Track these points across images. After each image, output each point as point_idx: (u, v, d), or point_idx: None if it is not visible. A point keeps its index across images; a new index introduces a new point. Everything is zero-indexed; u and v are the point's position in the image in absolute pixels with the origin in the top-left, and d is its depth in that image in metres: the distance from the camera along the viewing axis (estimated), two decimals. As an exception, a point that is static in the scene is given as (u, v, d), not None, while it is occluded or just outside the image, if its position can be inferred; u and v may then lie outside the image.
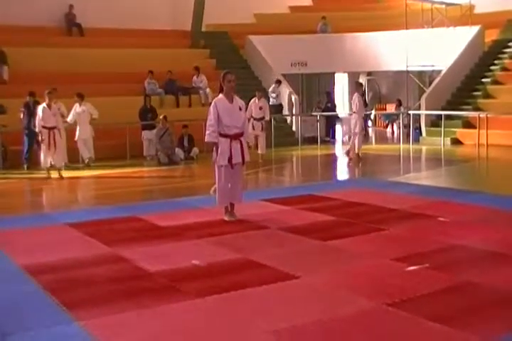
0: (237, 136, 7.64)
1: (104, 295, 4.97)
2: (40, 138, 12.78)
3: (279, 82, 19.17)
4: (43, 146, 12.80)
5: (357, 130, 14.35)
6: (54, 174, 12.78)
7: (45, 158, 12.89)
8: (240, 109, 7.74)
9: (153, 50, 19.37)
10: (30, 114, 14.08)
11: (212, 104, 7.64)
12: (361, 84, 14.89)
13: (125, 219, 8.06)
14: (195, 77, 18.49)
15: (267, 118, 15.13)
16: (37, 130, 12.87)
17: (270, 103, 18.62)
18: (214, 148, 7.64)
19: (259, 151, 14.76)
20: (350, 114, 15.19)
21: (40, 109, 12.70)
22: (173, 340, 4.20)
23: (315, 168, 14.88)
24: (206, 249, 6.43)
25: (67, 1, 19.74)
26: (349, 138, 15.82)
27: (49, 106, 12.74)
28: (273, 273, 5.43)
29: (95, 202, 10.21)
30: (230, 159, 7.58)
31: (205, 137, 7.66)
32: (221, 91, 7.72)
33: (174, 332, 4.28)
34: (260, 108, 14.63)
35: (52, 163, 12.82)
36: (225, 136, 7.57)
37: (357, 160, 14.27)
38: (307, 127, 19.26)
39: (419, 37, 19.08)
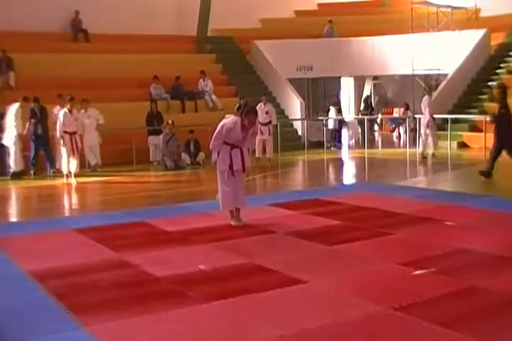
0: (237, 145, 7.70)
1: (111, 301, 4.98)
2: (62, 143, 12.74)
3: (334, 105, 19.80)
4: (65, 151, 12.76)
5: (428, 131, 15.04)
6: (63, 180, 12.82)
7: (65, 163, 12.84)
8: (252, 134, 7.77)
9: (159, 55, 19.41)
10: (37, 119, 14.12)
11: (226, 127, 7.54)
12: (431, 87, 15.41)
13: (132, 224, 8.07)
14: (201, 81, 18.53)
15: (274, 122, 15.25)
16: (58, 135, 12.81)
17: (330, 127, 19.09)
18: (215, 152, 7.74)
19: (267, 155, 14.96)
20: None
21: (61, 114, 12.68)
22: (180, 345, 4.21)
23: (321, 172, 14.88)
24: (213, 253, 6.43)
25: (73, 7, 19.81)
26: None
27: (70, 111, 12.74)
28: (279, 278, 5.43)
29: (102, 208, 10.22)
30: (230, 166, 7.63)
31: (211, 145, 7.75)
32: (239, 115, 7.64)
33: (181, 337, 4.28)
34: (266, 112, 14.77)
35: (71, 168, 12.79)
36: (226, 144, 7.65)
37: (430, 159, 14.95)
38: (313, 132, 19.25)
39: (425, 41, 19.07)
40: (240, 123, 7.56)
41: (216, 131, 7.66)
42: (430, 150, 15.23)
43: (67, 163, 12.85)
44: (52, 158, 14.33)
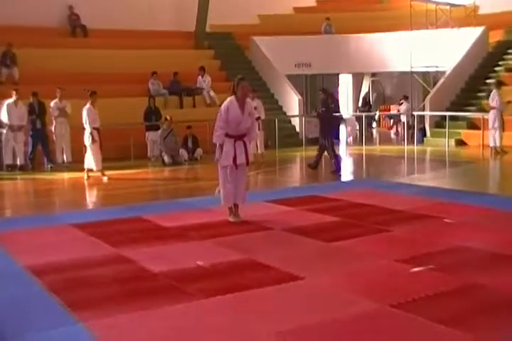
0: (241, 137, 7.66)
1: (109, 296, 4.98)
2: (90, 139, 12.25)
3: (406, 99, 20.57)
4: (94, 147, 12.34)
5: (496, 125, 14.92)
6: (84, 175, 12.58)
7: (92, 159, 12.40)
8: (250, 114, 7.74)
9: (158, 51, 19.37)
10: (35, 114, 14.10)
11: (224, 107, 7.58)
12: (500, 82, 15.38)
13: (129, 219, 8.06)
14: (200, 77, 18.50)
15: (263, 117, 15.23)
16: (88, 131, 12.27)
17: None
18: (217, 148, 7.66)
19: (259, 151, 14.92)
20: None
21: (86, 109, 12.22)
22: (177, 341, 4.20)
23: (319, 168, 14.85)
24: (210, 249, 6.43)
25: (69, 2, 19.79)
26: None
27: (93, 105, 12.28)
28: (277, 274, 5.43)
29: (99, 203, 10.21)
30: (234, 159, 7.60)
31: (213, 138, 7.67)
32: (233, 94, 7.67)
33: (178, 333, 4.28)
34: (255, 108, 14.67)
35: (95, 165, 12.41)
36: (230, 136, 7.60)
37: (497, 154, 14.87)
38: (311, 128, 19.23)
39: (423, 38, 19.05)
40: (236, 101, 7.55)
41: (216, 120, 7.62)
42: (497, 145, 14.97)
43: (96, 159, 12.40)
44: (49, 153, 14.31)
